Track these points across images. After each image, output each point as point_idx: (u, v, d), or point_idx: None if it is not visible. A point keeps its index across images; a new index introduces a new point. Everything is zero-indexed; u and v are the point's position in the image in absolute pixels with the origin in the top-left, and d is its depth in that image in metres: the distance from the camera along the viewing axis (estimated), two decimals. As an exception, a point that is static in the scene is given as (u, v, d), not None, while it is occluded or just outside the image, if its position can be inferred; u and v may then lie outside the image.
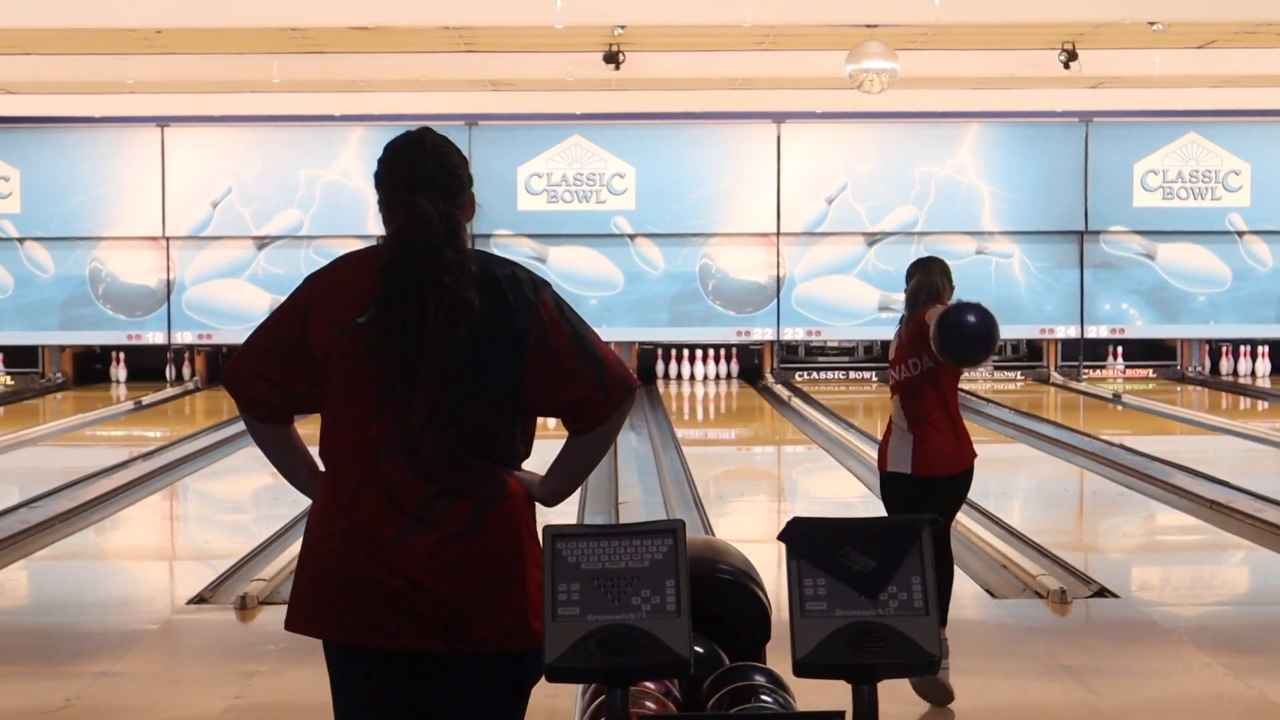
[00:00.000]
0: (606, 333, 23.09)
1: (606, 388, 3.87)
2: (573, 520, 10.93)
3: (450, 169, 3.92)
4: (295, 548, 10.16)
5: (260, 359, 3.94)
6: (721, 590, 4.86)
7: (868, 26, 16.26)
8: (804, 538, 3.60)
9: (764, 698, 4.34)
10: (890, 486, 7.31)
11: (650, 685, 4.43)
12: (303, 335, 3.88)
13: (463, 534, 3.81)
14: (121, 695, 7.36)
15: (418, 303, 3.78)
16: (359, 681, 3.89)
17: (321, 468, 3.98)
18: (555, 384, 3.86)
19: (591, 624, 3.55)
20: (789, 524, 3.65)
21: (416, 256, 3.82)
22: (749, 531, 11.75)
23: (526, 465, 4.00)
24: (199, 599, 9.29)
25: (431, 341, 3.79)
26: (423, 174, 3.89)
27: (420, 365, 3.80)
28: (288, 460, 4.06)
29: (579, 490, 12.53)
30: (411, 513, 3.80)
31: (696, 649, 4.75)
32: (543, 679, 3.71)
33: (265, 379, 3.93)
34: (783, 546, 3.69)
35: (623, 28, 16.49)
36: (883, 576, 3.54)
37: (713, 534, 10.85)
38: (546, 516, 3.88)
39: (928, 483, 7.15)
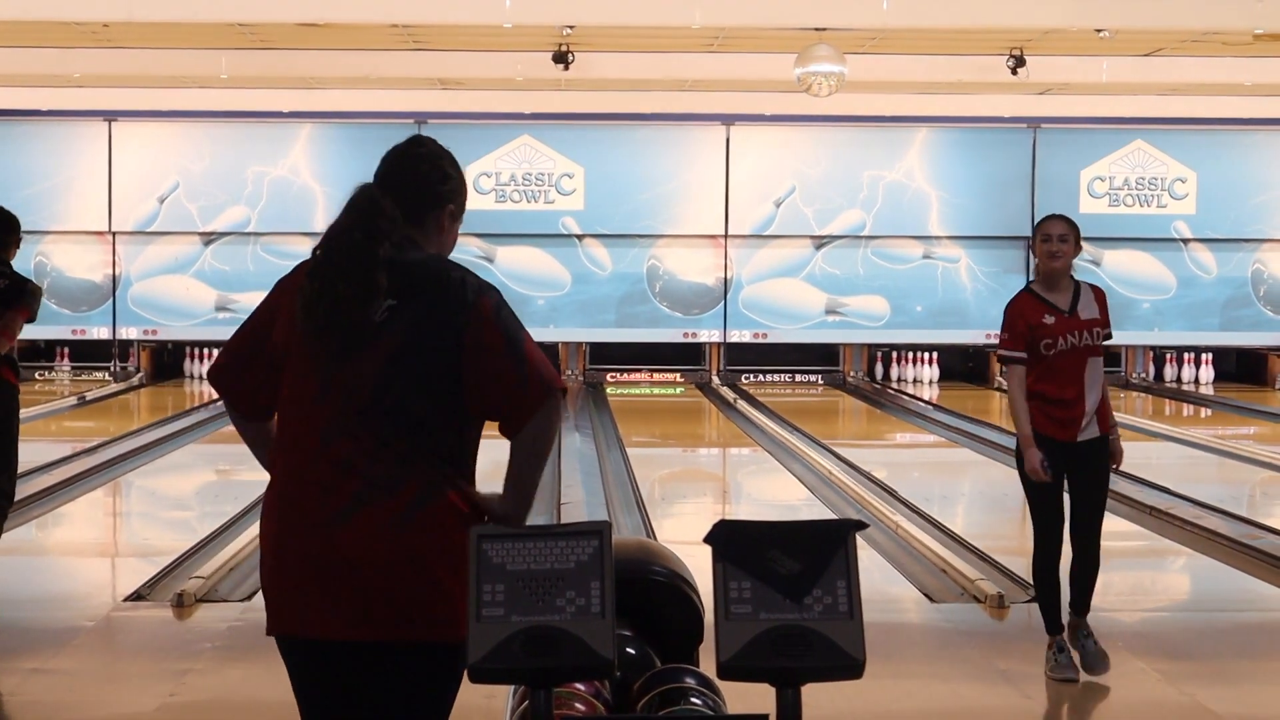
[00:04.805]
0: (553, 333, 23.08)
1: (526, 384, 3.96)
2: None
3: (405, 170, 4.12)
4: (235, 545, 10.19)
5: (239, 360, 4.14)
6: (654, 592, 4.86)
7: (816, 30, 16.29)
8: (730, 540, 3.61)
9: (694, 700, 4.35)
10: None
11: (580, 686, 4.43)
12: (270, 337, 4.05)
13: (397, 524, 3.89)
14: (54, 692, 7.33)
15: (330, 280, 3.93)
16: (301, 672, 4.01)
17: None
18: (486, 382, 3.97)
19: (515, 625, 3.56)
20: (715, 526, 3.66)
21: (334, 241, 4.00)
22: (692, 533, 11.66)
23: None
24: (137, 596, 9.24)
25: (346, 315, 3.92)
26: (380, 170, 4.14)
27: (356, 350, 3.93)
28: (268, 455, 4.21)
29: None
30: (352, 494, 3.90)
31: (628, 650, 4.75)
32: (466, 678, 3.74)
33: (242, 379, 4.12)
34: None
35: (571, 28, 16.49)
36: (808, 580, 3.55)
37: (655, 536, 10.84)
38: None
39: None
